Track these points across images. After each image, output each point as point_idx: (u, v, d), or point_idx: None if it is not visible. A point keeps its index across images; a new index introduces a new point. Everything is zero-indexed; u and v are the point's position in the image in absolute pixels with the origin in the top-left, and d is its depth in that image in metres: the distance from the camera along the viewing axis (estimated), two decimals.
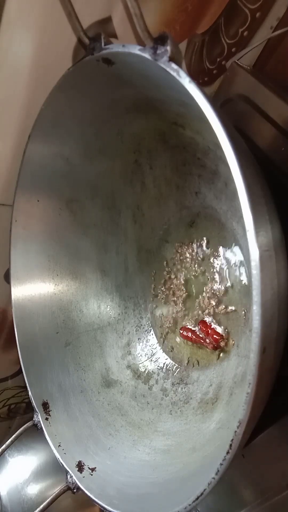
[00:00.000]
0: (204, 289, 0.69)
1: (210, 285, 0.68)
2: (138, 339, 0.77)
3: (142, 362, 0.75)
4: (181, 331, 0.70)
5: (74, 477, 0.59)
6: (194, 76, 0.68)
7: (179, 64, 0.41)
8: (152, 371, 0.73)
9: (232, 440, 0.38)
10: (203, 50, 0.67)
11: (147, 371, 0.74)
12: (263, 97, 0.60)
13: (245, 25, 0.63)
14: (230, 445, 0.38)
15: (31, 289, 0.72)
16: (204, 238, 0.69)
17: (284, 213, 0.47)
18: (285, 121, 0.57)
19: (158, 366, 0.73)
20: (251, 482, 0.60)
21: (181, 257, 0.72)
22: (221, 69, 0.67)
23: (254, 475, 0.59)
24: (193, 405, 0.63)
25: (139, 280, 0.78)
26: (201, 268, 0.70)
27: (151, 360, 0.74)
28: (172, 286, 0.74)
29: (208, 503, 0.63)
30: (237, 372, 0.59)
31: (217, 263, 0.67)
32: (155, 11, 0.60)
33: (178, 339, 0.72)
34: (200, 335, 0.67)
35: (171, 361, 0.72)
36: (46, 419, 0.66)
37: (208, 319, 0.66)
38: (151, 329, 0.76)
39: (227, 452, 0.38)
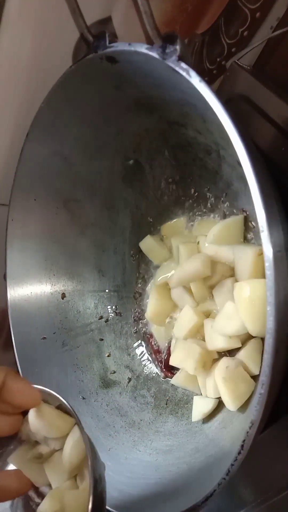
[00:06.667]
0: None
1: None
2: (137, 339, 0.77)
3: (141, 362, 0.75)
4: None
5: None
6: None
7: (188, 63, 0.41)
8: (152, 371, 0.73)
9: (244, 440, 0.38)
10: (203, 50, 0.67)
11: (146, 371, 0.74)
12: (263, 97, 0.60)
13: (245, 25, 0.63)
14: (242, 445, 0.38)
15: (27, 289, 0.72)
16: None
17: (286, 213, 0.47)
18: (285, 121, 0.57)
19: (157, 366, 0.73)
20: (251, 482, 0.60)
21: None
22: (221, 69, 0.67)
23: (254, 475, 0.59)
24: None
25: (137, 280, 0.78)
26: None
27: (150, 360, 0.74)
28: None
29: (208, 502, 0.63)
30: None
31: None
32: (155, 11, 0.59)
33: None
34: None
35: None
36: None
37: None
38: (150, 330, 0.75)
39: (239, 453, 0.38)
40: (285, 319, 0.37)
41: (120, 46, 0.47)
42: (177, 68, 0.41)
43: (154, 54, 0.43)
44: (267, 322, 0.35)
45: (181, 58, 0.41)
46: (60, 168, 0.67)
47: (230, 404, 0.52)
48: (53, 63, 0.58)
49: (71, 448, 0.45)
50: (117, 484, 0.57)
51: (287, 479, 0.56)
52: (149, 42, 0.44)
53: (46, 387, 0.67)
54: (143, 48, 0.44)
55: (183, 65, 0.41)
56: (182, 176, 0.69)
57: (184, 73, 0.41)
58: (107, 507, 0.53)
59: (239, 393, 0.52)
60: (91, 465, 0.40)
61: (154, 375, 0.73)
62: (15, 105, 0.62)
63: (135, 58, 0.46)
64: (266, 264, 0.35)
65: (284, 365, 0.41)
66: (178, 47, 0.41)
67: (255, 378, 0.53)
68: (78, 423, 0.45)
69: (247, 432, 0.37)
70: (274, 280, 0.34)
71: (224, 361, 0.55)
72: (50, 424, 0.46)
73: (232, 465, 0.39)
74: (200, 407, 0.60)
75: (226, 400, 0.53)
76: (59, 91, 0.57)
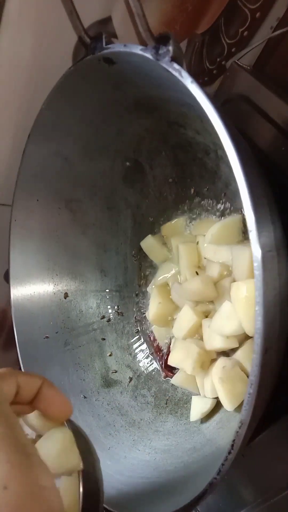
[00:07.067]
0: None
1: None
2: (138, 338, 0.77)
3: (142, 362, 0.75)
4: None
5: None
6: (194, 76, 0.68)
7: (181, 64, 0.41)
8: (152, 371, 0.73)
9: (234, 440, 0.38)
10: (203, 50, 0.67)
11: (147, 371, 0.74)
12: (263, 97, 0.60)
13: (245, 25, 0.63)
14: (232, 445, 0.38)
15: (30, 289, 0.72)
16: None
17: (285, 214, 0.47)
18: (285, 121, 0.57)
19: (158, 366, 0.73)
20: (251, 482, 0.60)
21: None
22: (221, 69, 0.67)
23: (254, 475, 0.59)
24: None
25: (139, 279, 0.78)
26: None
27: (151, 360, 0.74)
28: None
29: (208, 502, 0.63)
30: None
31: None
32: (155, 11, 0.60)
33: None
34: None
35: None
36: None
37: None
38: (151, 329, 0.75)
39: (229, 452, 0.38)
40: (275, 319, 0.37)
41: (116, 47, 0.47)
42: (170, 69, 0.41)
43: (148, 55, 0.43)
44: (256, 322, 0.35)
45: (174, 59, 0.41)
46: (61, 168, 0.67)
47: (227, 404, 0.52)
48: (53, 63, 0.58)
49: None
50: (116, 483, 0.57)
51: (287, 479, 0.56)
52: (145, 43, 0.44)
53: None
54: (137, 50, 0.44)
55: (176, 66, 0.41)
56: (181, 176, 0.69)
57: (176, 74, 0.41)
58: (105, 506, 0.53)
59: (236, 393, 0.52)
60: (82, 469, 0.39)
61: (154, 374, 0.73)
62: (16, 106, 0.62)
63: (132, 59, 0.46)
64: (255, 264, 0.35)
65: (277, 365, 0.41)
66: (171, 48, 0.41)
67: None
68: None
69: (237, 432, 0.37)
70: (262, 280, 0.34)
71: (221, 361, 0.55)
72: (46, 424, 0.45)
73: (222, 464, 0.39)
74: (198, 407, 0.60)
75: (223, 400, 0.53)
76: (59, 92, 0.57)
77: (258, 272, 0.35)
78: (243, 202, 0.35)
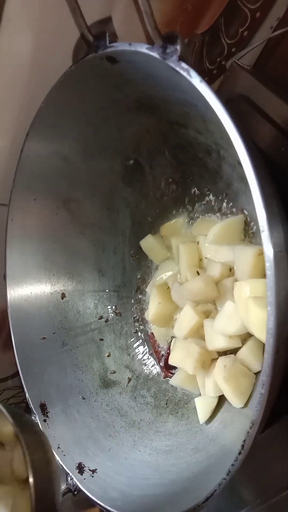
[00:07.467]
0: None
1: None
2: (137, 339, 0.77)
3: (141, 362, 0.75)
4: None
5: (74, 479, 0.59)
6: None
7: (188, 63, 0.41)
8: (152, 371, 0.73)
9: (244, 440, 0.38)
10: (203, 50, 0.67)
11: (146, 371, 0.74)
12: (263, 97, 0.60)
13: (245, 25, 0.63)
14: (242, 445, 0.38)
15: (27, 289, 0.72)
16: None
17: (286, 214, 0.47)
18: (285, 121, 0.57)
19: (158, 366, 0.73)
20: (251, 482, 0.60)
21: None
22: (221, 69, 0.67)
23: (254, 475, 0.59)
24: (194, 405, 0.63)
25: (137, 279, 0.78)
26: None
27: (151, 360, 0.74)
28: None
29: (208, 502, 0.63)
30: None
31: None
32: (155, 11, 0.59)
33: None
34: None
35: None
36: (44, 420, 0.65)
37: None
38: (150, 329, 0.75)
39: (239, 453, 0.38)
40: (286, 319, 0.37)
41: (120, 46, 0.47)
42: (177, 68, 0.41)
43: (154, 54, 0.43)
44: (267, 322, 0.35)
45: (181, 58, 0.41)
46: (60, 168, 0.67)
47: (236, 401, 0.52)
48: (53, 63, 0.58)
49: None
50: (118, 485, 0.57)
51: (287, 479, 0.56)
52: (150, 42, 0.44)
53: (46, 387, 0.68)
54: (143, 48, 0.44)
55: (184, 65, 0.41)
56: (182, 176, 0.68)
57: (184, 73, 0.40)
58: (108, 508, 0.53)
59: (242, 389, 0.52)
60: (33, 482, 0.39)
61: (154, 375, 0.73)
62: (16, 105, 0.61)
63: (136, 58, 0.46)
64: (267, 264, 0.35)
65: (284, 365, 0.41)
66: (178, 47, 0.41)
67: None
68: (18, 432, 0.43)
69: (248, 432, 0.37)
70: (274, 280, 0.34)
71: (221, 361, 0.55)
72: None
73: (232, 465, 0.39)
74: (204, 406, 0.60)
75: (232, 398, 0.53)
76: (59, 91, 0.57)
77: (270, 272, 0.34)
78: (254, 202, 0.35)
